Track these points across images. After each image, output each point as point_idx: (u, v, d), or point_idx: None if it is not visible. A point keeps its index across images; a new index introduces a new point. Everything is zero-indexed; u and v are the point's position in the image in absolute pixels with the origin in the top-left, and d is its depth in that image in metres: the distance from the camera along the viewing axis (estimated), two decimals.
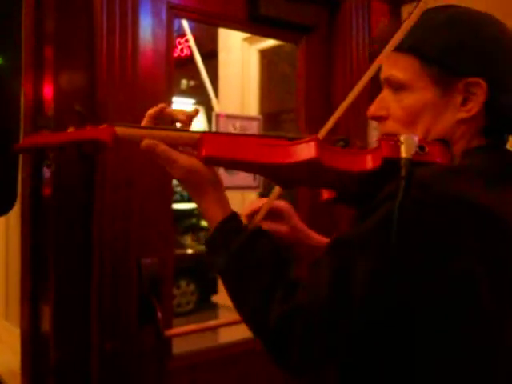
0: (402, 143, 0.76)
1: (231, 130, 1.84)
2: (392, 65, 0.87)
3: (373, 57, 0.83)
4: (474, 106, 0.84)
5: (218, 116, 1.83)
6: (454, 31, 0.84)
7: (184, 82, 10.02)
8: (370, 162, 0.81)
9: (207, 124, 3.92)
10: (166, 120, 0.93)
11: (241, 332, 2.10)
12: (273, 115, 3.05)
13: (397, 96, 0.87)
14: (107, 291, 1.48)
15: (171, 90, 1.71)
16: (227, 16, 1.84)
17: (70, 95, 1.50)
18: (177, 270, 4.93)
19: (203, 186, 0.87)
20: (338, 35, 2.07)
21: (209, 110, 3.45)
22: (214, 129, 1.81)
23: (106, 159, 1.49)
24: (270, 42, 2.63)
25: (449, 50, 0.84)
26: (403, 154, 0.75)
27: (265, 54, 2.80)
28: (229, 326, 2.08)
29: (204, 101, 2.62)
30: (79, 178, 1.51)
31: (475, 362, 0.77)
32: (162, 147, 0.85)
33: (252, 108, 2.79)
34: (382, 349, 0.79)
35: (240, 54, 2.80)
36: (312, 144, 0.80)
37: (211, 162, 0.87)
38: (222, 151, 0.84)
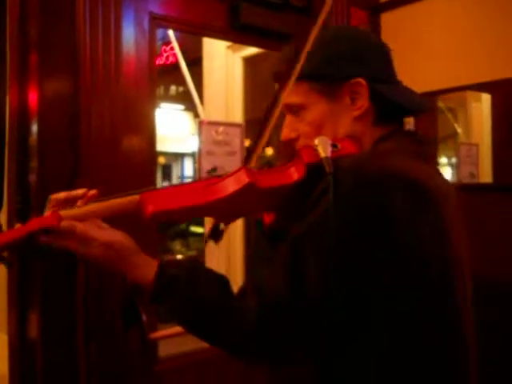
0: (317, 146, 0.85)
1: (214, 136, 1.88)
2: (289, 93, 0.94)
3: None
4: (363, 103, 0.95)
5: (201, 123, 1.86)
6: (328, 46, 0.96)
7: (173, 89, 10.04)
8: (296, 172, 0.87)
9: (194, 129, 3.94)
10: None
11: None
12: (257, 122, 3.09)
13: (299, 117, 0.98)
14: (93, 296, 1.51)
15: (154, 96, 1.74)
16: (209, 25, 1.88)
17: (54, 102, 1.53)
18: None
19: (127, 256, 0.91)
20: None
21: (196, 116, 3.49)
22: (197, 135, 1.85)
23: (89, 164, 1.52)
24: (254, 50, 2.67)
25: (325, 63, 0.95)
26: (322, 154, 0.83)
27: (248, 62, 2.84)
28: None
29: (192, 107, 2.66)
30: (64, 183, 1.53)
31: (427, 323, 0.82)
32: (80, 227, 0.87)
33: (236, 114, 2.83)
34: (345, 324, 0.82)
35: (224, 62, 2.83)
36: (242, 171, 0.85)
37: (157, 217, 0.90)
38: (164, 204, 0.87)
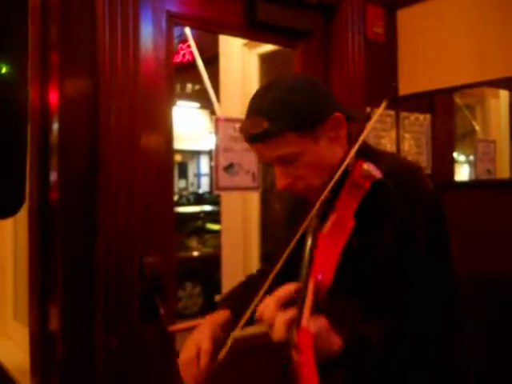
0: (368, 171, 0.97)
1: (231, 132, 1.90)
2: (274, 149, 1.04)
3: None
4: (344, 131, 1.08)
5: (217, 120, 1.89)
6: (300, 95, 1.04)
7: (189, 86, 10.08)
8: (350, 220, 0.95)
9: (211, 127, 3.95)
10: None
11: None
12: None
13: (293, 164, 1.06)
14: (111, 289, 1.54)
15: (172, 95, 1.76)
16: (225, 23, 1.90)
17: (75, 101, 1.56)
18: (183, 273, 4.98)
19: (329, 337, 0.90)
20: (334, 39, 2.13)
21: (212, 114, 3.50)
22: (213, 131, 1.87)
23: (108, 161, 1.55)
24: (270, 47, 2.68)
25: (305, 111, 1.03)
26: (378, 175, 0.97)
27: (265, 59, 2.85)
28: None
29: (208, 104, 2.68)
30: (83, 180, 1.57)
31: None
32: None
33: None
34: None
35: (240, 59, 2.85)
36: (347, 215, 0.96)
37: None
38: (330, 269, 0.90)
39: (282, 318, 0.82)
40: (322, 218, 0.97)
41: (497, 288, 1.80)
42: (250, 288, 1.15)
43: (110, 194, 1.56)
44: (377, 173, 0.97)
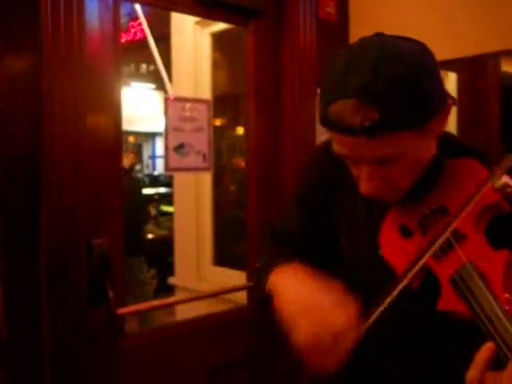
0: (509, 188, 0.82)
1: (181, 112, 1.86)
2: (380, 146, 0.81)
3: None
4: (445, 123, 0.87)
5: (167, 99, 1.85)
6: (422, 83, 0.79)
7: (144, 67, 9.87)
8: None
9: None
10: None
11: (196, 310, 2.16)
12: (226, 98, 3.08)
13: (389, 164, 0.84)
14: (57, 271, 1.50)
15: (119, 73, 1.71)
16: None
17: (15, 80, 1.50)
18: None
19: None
20: (285, 19, 2.11)
21: (166, 93, 3.44)
22: (163, 111, 1.84)
23: (53, 138, 1.50)
24: (222, 26, 2.65)
25: (422, 102, 0.79)
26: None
27: (217, 38, 2.81)
28: (184, 304, 2.12)
29: (163, 85, 2.63)
30: (26, 162, 1.51)
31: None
32: None
33: (205, 91, 2.81)
34: None
35: (192, 37, 2.81)
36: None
37: None
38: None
39: None
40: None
41: None
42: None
43: (54, 175, 1.51)
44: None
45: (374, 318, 0.81)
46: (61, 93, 1.52)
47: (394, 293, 0.82)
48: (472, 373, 0.71)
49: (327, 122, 0.83)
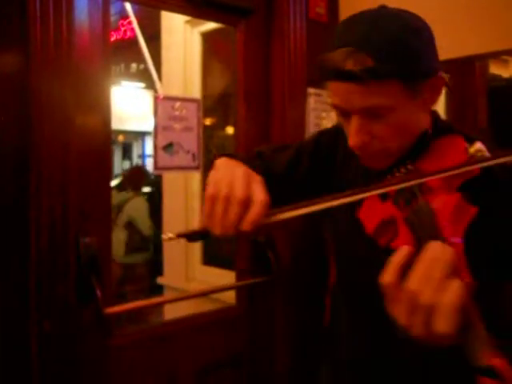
0: (481, 151, 0.85)
1: (170, 111, 1.86)
2: (370, 95, 0.85)
3: None
4: (438, 96, 0.92)
5: (156, 98, 1.85)
6: (415, 39, 0.86)
7: (134, 66, 9.84)
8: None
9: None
10: None
11: (184, 309, 2.15)
12: (216, 98, 3.08)
13: (379, 119, 0.88)
14: (45, 271, 1.49)
15: (109, 72, 1.70)
16: None
17: (2, 78, 1.49)
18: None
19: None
20: (275, 19, 2.12)
21: (156, 92, 3.43)
22: (153, 110, 1.83)
23: (42, 137, 1.49)
24: (212, 25, 2.65)
25: (416, 58, 0.85)
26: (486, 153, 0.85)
27: (207, 37, 2.81)
28: (172, 304, 2.12)
29: (153, 84, 2.63)
30: (13, 160, 1.50)
31: None
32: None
33: (195, 91, 2.81)
34: None
35: (182, 37, 2.80)
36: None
37: None
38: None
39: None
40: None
41: None
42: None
43: (43, 174, 1.50)
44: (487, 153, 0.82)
45: (290, 212, 0.85)
46: (49, 92, 1.51)
47: (325, 203, 0.85)
48: (387, 276, 0.67)
49: (324, 71, 0.88)
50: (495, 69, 2.29)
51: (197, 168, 1.96)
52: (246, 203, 0.84)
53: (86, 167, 1.62)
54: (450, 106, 2.36)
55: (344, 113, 0.91)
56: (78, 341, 1.58)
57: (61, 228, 1.52)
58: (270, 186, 0.89)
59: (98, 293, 1.54)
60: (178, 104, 1.87)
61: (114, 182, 5.43)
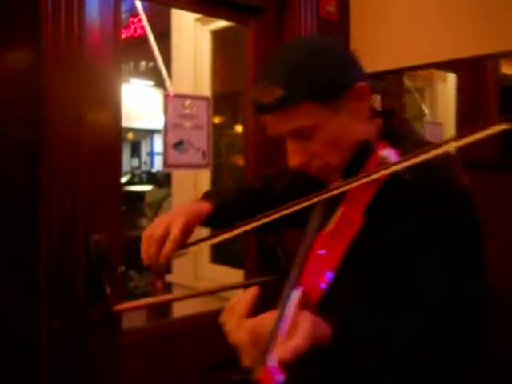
0: (386, 158, 0.87)
1: (180, 109, 1.86)
2: (290, 120, 0.92)
3: None
4: (367, 104, 0.97)
5: (167, 96, 1.85)
6: (320, 61, 0.93)
7: (143, 64, 9.86)
8: (374, 189, 0.88)
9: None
10: None
11: (192, 307, 2.15)
12: (226, 96, 3.08)
13: (310, 139, 0.94)
14: (55, 268, 1.49)
15: (119, 69, 1.71)
16: None
17: (15, 75, 1.49)
18: (135, 252, 4.92)
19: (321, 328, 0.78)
20: (286, 17, 2.11)
21: (165, 90, 3.44)
22: (163, 108, 1.83)
23: (52, 134, 1.50)
24: (223, 23, 2.65)
25: (326, 78, 0.92)
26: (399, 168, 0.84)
27: (217, 35, 2.81)
28: (181, 302, 2.12)
29: (162, 82, 2.63)
30: (24, 156, 1.51)
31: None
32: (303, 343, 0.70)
33: (205, 88, 2.81)
34: None
35: (193, 35, 2.80)
36: (350, 212, 0.87)
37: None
38: (320, 282, 0.82)
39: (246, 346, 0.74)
40: (329, 211, 0.88)
41: None
42: (240, 201, 1.21)
43: (53, 170, 1.51)
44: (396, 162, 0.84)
45: (203, 242, 1.04)
46: (60, 89, 1.51)
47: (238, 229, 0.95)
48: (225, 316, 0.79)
49: (253, 107, 0.98)
50: (507, 68, 2.27)
51: (206, 166, 1.96)
52: (162, 241, 1.07)
53: (96, 164, 1.62)
54: (461, 106, 2.34)
55: (281, 138, 0.97)
56: (87, 338, 1.58)
57: (70, 225, 1.52)
58: (274, 203, 0.97)
59: (108, 290, 1.55)
60: (188, 102, 1.87)
61: (123, 179, 5.45)
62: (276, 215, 0.93)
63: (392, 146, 0.91)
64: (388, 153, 0.87)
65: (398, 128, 1.01)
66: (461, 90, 2.37)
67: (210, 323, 1.98)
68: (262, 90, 0.92)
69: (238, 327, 0.76)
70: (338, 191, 0.88)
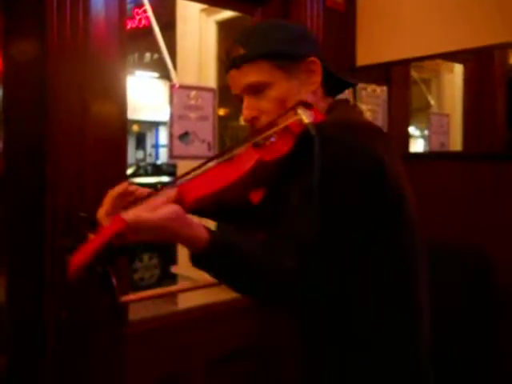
0: (300, 114, 0.97)
1: (186, 100, 1.85)
2: (247, 75, 1.06)
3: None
4: (318, 78, 1.08)
5: (172, 87, 1.84)
6: (281, 30, 1.09)
7: (147, 56, 9.85)
8: (289, 142, 0.99)
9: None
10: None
11: (197, 299, 2.16)
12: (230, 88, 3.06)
13: (261, 95, 1.07)
14: (61, 260, 1.49)
15: (124, 60, 1.70)
16: None
17: (21, 66, 1.49)
18: (139, 244, 4.94)
19: (184, 224, 0.88)
20: (292, 7, 2.10)
21: (170, 81, 3.43)
22: (168, 99, 1.82)
23: (57, 129, 1.50)
24: (228, 14, 2.63)
25: (284, 43, 1.06)
26: (306, 121, 0.95)
27: (222, 26, 2.79)
28: (186, 293, 2.13)
29: (167, 74, 2.62)
30: (31, 149, 1.51)
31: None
32: (144, 217, 0.83)
33: (210, 79, 2.80)
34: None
35: (198, 25, 2.79)
36: (251, 149, 0.98)
37: (197, 206, 0.97)
38: (199, 193, 0.97)
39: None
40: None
41: (449, 255, 1.86)
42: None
43: (59, 163, 1.51)
44: (309, 120, 0.95)
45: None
46: (66, 80, 1.51)
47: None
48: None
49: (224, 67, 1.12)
50: None
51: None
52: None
53: (101, 156, 1.62)
54: (468, 97, 2.32)
55: (240, 99, 1.10)
56: (94, 329, 1.58)
57: (76, 216, 1.52)
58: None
59: (114, 281, 1.54)
60: (193, 93, 1.87)
61: (128, 172, 5.46)
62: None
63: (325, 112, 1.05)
64: (305, 112, 0.97)
65: (335, 105, 1.12)
66: (468, 81, 2.35)
67: (216, 314, 1.99)
68: (229, 50, 1.08)
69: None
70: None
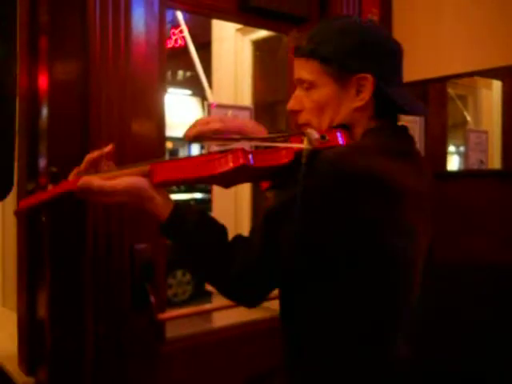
0: (304, 136, 0.98)
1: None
2: (300, 68, 1.09)
3: None
4: (365, 96, 1.05)
5: (209, 105, 1.86)
6: (347, 38, 1.06)
7: (180, 73, 9.99)
8: (285, 158, 1.00)
9: (202, 114, 3.92)
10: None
11: (233, 317, 2.15)
12: (266, 106, 3.08)
13: (307, 93, 1.09)
14: (101, 276, 1.52)
15: (164, 80, 1.73)
16: (218, 6, 1.86)
17: (64, 86, 1.53)
18: (173, 261, 4.97)
19: (145, 196, 1.05)
20: None
21: (204, 100, 3.48)
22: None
23: (99, 142, 1.52)
24: (263, 33, 2.66)
25: (343, 52, 1.05)
26: (305, 146, 0.96)
27: (258, 45, 2.82)
28: (221, 311, 2.12)
29: (200, 91, 2.66)
30: (73, 167, 1.54)
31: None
32: (96, 183, 1.04)
33: (245, 98, 2.82)
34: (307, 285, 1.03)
35: (233, 45, 2.82)
36: (238, 153, 0.98)
37: (162, 185, 1.06)
38: (169, 175, 1.04)
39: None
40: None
41: (486, 276, 1.82)
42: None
43: None
44: (313, 140, 0.97)
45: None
46: (107, 99, 1.54)
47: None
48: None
49: None
50: None
51: None
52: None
53: None
54: (507, 114, 2.29)
55: (295, 86, 1.12)
56: (132, 345, 1.59)
57: (117, 235, 1.54)
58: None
59: (152, 298, 1.56)
60: (230, 112, 1.88)
61: None
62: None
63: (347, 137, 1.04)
64: (313, 134, 0.98)
65: (373, 129, 1.07)
66: (506, 97, 2.31)
67: (253, 333, 1.98)
68: (300, 36, 1.16)
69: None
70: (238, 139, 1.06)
